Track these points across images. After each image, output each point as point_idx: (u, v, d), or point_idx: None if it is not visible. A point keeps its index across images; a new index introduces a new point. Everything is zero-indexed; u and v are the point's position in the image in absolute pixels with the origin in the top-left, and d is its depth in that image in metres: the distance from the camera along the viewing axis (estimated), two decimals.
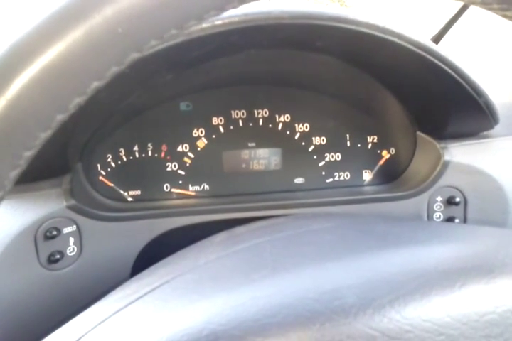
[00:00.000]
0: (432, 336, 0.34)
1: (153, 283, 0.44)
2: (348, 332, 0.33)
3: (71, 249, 0.68)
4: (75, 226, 0.68)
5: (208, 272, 0.44)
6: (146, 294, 0.42)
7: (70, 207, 0.67)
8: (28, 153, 0.25)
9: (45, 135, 0.25)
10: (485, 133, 0.83)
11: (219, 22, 0.55)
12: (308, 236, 0.50)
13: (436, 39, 0.98)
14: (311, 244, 0.47)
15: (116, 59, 0.26)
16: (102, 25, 0.25)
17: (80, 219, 0.68)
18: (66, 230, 0.67)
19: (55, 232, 0.65)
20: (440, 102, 0.77)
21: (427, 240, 0.46)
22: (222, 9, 0.28)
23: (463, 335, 0.35)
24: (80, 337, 0.38)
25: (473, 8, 0.96)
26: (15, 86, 0.23)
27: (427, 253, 0.42)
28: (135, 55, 0.27)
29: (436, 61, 0.66)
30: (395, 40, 0.64)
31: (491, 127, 0.80)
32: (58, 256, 0.66)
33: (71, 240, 0.68)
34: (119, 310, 0.40)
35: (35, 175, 0.65)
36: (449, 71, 0.68)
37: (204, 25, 0.55)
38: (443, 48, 0.67)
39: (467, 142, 0.82)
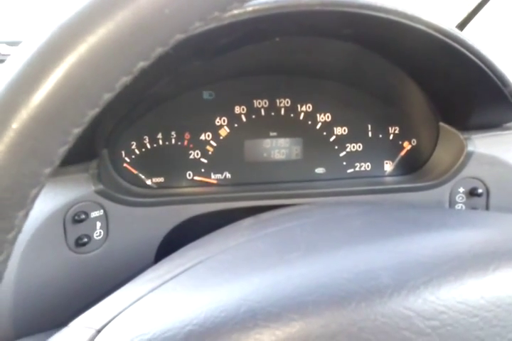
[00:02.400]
0: (466, 317, 0.34)
1: (185, 263, 0.44)
2: (383, 311, 0.34)
3: (98, 233, 0.69)
4: (102, 211, 0.69)
5: (240, 253, 0.44)
6: (180, 273, 0.43)
7: (98, 192, 0.68)
8: (76, 130, 0.26)
9: (93, 112, 0.26)
10: (509, 124, 0.82)
11: (250, 8, 0.56)
12: (338, 221, 0.51)
13: (462, 26, 0.97)
14: (342, 228, 0.48)
15: (161, 39, 0.26)
16: (150, 5, 0.25)
17: (107, 203, 0.69)
18: (94, 214, 0.68)
19: (83, 216, 0.66)
20: (464, 92, 0.77)
21: (457, 225, 0.46)
22: None
23: (497, 318, 0.35)
24: (119, 313, 0.38)
25: None
26: (66, 64, 0.24)
27: (459, 237, 0.42)
28: (179, 37, 0.27)
29: (463, 49, 0.66)
30: (423, 28, 0.63)
31: None
32: (86, 240, 0.67)
33: (98, 224, 0.69)
34: (154, 289, 0.41)
35: (64, 160, 0.66)
36: (475, 60, 0.67)
37: (235, 11, 0.55)
38: (470, 36, 0.67)
39: (491, 133, 0.82)
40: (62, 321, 0.42)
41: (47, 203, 0.65)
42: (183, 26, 0.27)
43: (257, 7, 0.56)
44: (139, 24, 0.25)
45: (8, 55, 0.94)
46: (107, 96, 0.26)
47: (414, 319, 0.34)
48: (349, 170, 0.90)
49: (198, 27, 0.28)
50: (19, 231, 0.25)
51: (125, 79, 0.26)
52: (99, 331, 0.36)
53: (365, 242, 0.43)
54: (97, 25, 0.24)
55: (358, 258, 0.40)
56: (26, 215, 0.26)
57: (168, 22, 0.26)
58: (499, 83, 0.70)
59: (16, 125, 0.23)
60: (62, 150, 0.26)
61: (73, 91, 0.24)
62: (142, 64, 0.26)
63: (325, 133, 0.89)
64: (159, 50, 0.27)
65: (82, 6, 0.25)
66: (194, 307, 0.35)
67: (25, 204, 0.25)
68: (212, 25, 0.55)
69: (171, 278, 0.42)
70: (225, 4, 0.28)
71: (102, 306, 0.41)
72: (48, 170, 0.26)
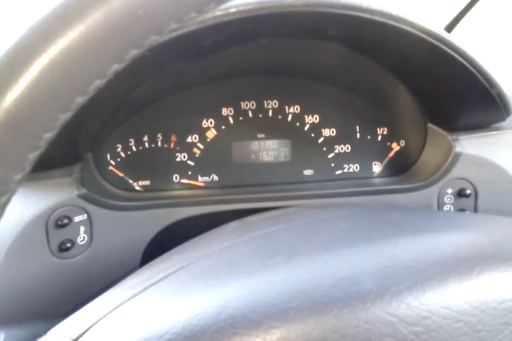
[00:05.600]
0: (449, 322, 0.34)
1: (167, 269, 0.44)
2: (366, 317, 0.33)
3: (82, 238, 0.68)
4: (85, 215, 0.68)
5: (222, 258, 0.44)
6: (161, 280, 0.42)
7: (81, 196, 0.67)
8: (48, 135, 0.25)
9: (65, 117, 0.25)
10: (497, 125, 0.82)
11: (233, 9, 0.55)
12: (323, 224, 0.50)
13: (449, 28, 0.97)
14: (326, 231, 0.47)
15: (136, 41, 0.26)
16: (122, 6, 0.25)
17: (91, 208, 0.68)
18: (77, 219, 0.67)
19: (66, 221, 0.65)
20: (452, 93, 0.77)
21: (442, 228, 0.45)
22: None
23: (481, 322, 0.34)
24: (96, 322, 0.38)
25: None
26: (36, 67, 0.23)
27: (444, 240, 0.42)
28: (155, 38, 0.26)
29: (449, 50, 0.66)
30: (409, 28, 0.63)
31: (503, 119, 0.79)
32: (69, 245, 0.66)
33: (82, 229, 0.68)
34: (134, 296, 0.40)
35: (47, 164, 0.65)
36: (462, 61, 0.67)
37: (218, 12, 0.55)
38: (456, 38, 0.67)
39: (479, 134, 0.82)
40: (44, 328, 0.41)
41: (29, 208, 0.63)
42: (159, 28, 0.26)
43: (240, 8, 0.55)
44: (111, 26, 0.24)
45: None
46: (80, 100, 0.25)
47: (398, 325, 0.33)
48: (337, 172, 0.90)
49: (175, 29, 0.27)
50: None
51: (99, 83, 0.25)
52: (75, 340, 0.35)
53: (349, 246, 0.42)
54: (67, 27, 0.24)
55: (341, 262, 0.39)
56: None
57: (142, 23, 0.25)
58: (486, 84, 0.70)
59: None
60: (34, 155, 0.25)
61: (43, 95, 0.24)
62: (116, 67, 0.26)
63: (313, 135, 0.88)
64: (134, 52, 0.26)
65: (53, 7, 0.24)
66: (173, 315, 0.34)
67: None
68: (194, 27, 0.54)
69: (152, 285, 0.41)
70: (202, 5, 0.27)
71: (80, 314, 0.40)
72: (18, 177, 0.25)
